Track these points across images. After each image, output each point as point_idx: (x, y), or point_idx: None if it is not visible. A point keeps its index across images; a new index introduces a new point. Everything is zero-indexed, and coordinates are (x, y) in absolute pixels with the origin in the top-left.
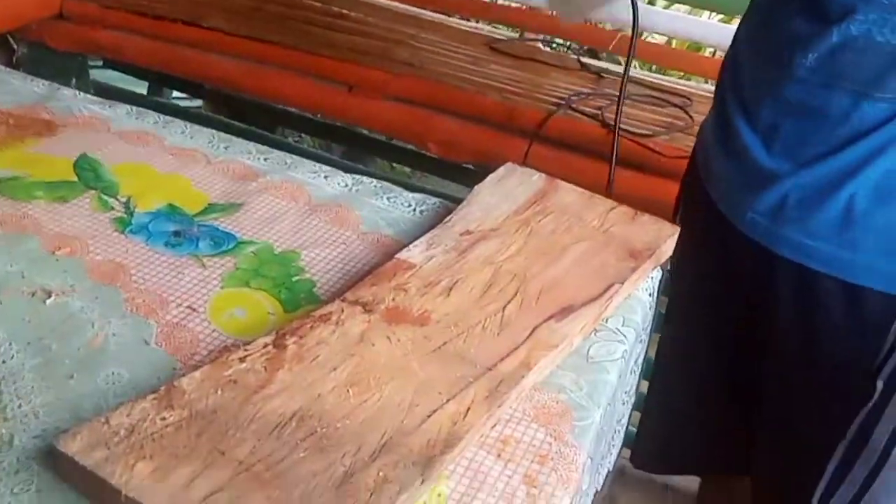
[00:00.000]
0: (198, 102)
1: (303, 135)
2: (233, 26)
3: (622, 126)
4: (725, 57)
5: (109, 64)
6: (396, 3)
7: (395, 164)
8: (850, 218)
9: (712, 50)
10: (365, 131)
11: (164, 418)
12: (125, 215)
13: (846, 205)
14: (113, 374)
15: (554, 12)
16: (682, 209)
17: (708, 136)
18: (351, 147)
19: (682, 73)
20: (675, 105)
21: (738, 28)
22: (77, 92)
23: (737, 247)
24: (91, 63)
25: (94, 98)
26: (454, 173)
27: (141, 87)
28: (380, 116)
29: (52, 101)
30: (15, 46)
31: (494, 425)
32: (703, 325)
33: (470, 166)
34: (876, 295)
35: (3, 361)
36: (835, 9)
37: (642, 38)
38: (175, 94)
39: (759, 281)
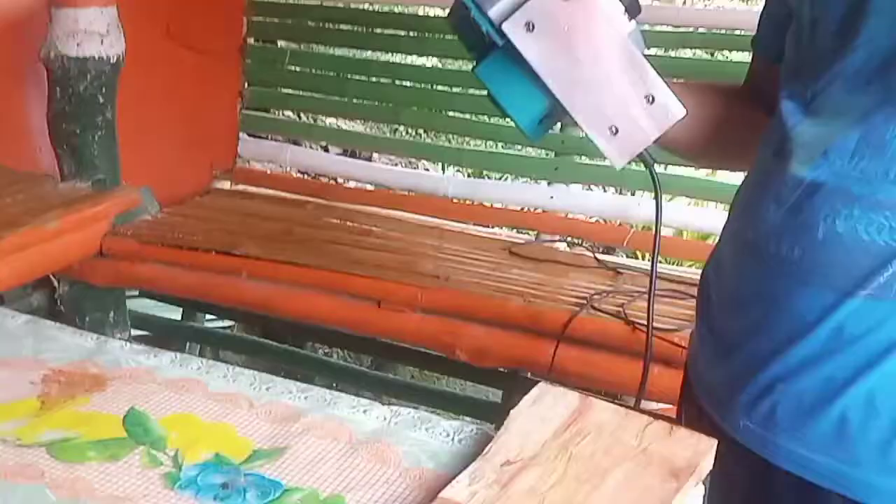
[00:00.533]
0: (229, 323)
1: (331, 348)
2: (264, 252)
3: (643, 322)
4: (708, 257)
5: (145, 293)
6: (418, 216)
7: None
8: (845, 431)
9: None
10: (391, 341)
11: None
12: (174, 470)
13: (839, 417)
14: None
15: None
16: (684, 422)
17: (696, 343)
18: (380, 356)
19: (694, 262)
20: (694, 296)
21: (723, 229)
22: (124, 343)
23: (732, 457)
24: (128, 294)
25: (140, 348)
26: (482, 376)
27: (175, 313)
28: (409, 329)
29: (100, 355)
30: (56, 285)
31: None
32: None
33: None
34: None
35: None
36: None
37: (651, 231)
38: (208, 316)
39: (756, 494)
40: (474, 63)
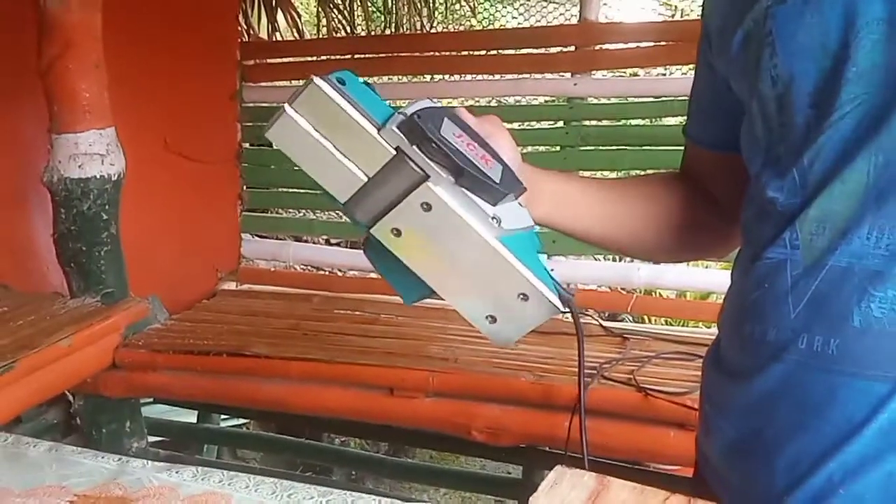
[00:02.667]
0: (243, 420)
1: (347, 438)
2: (273, 350)
3: (656, 388)
4: (707, 355)
5: (160, 399)
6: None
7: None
8: None
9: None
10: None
11: None
12: None
13: None
14: None
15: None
16: None
17: (710, 448)
18: (396, 442)
19: (697, 322)
20: (701, 356)
21: (723, 326)
22: (145, 462)
23: None
24: (143, 401)
25: (162, 465)
26: (500, 453)
27: (191, 416)
28: (422, 414)
29: (122, 476)
30: (72, 400)
31: None
32: None
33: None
34: None
35: None
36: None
37: (653, 295)
38: (223, 416)
39: None
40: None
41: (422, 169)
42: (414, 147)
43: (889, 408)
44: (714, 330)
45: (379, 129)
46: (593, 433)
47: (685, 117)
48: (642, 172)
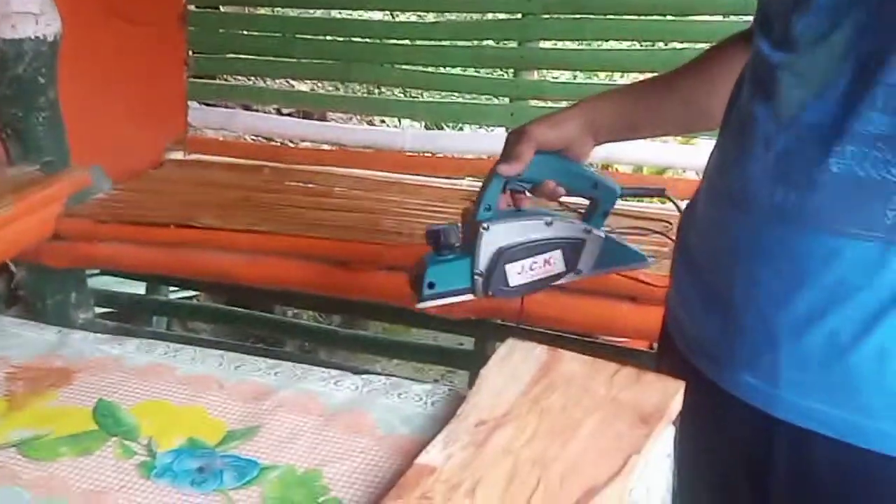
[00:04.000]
0: (193, 293)
1: (299, 310)
2: (224, 222)
3: None
4: (683, 217)
5: (107, 270)
6: (377, 172)
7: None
8: (857, 384)
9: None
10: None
11: None
12: (148, 458)
13: (850, 371)
14: None
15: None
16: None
17: (676, 300)
18: (349, 314)
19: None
20: (658, 232)
21: (700, 188)
22: (87, 334)
23: (726, 411)
24: (89, 272)
25: (104, 337)
26: (453, 325)
27: (139, 287)
28: (375, 288)
29: (63, 348)
30: (14, 270)
31: None
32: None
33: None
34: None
35: None
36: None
37: (610, 169)
38: (172, 287)
39: (756, 447)
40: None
41: None
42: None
43: (836, 265)
44: (669, 205)
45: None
46: (546, 306)
47: None
48: (605, 44)
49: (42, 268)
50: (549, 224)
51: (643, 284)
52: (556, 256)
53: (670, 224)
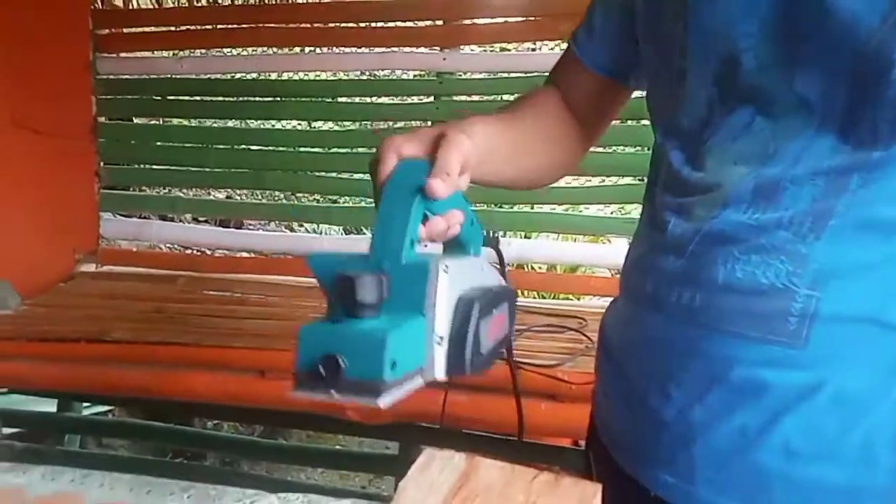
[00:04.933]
0: (108, 407)
1: (219, 422)
2: (136, 335)
3: (527, 360)
4: (605, 312)
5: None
6: (296, 278)
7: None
8: (765, 480)
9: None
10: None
11: None
12: None
13: (758, 467)
14: None
15: None
16: (594, 464)
17: (601, 394)
18: (270, 424)
19: (569, 295)
20: (573, 329)
21: (620, 285)
22: None
23: None
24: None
25: (6, 465)
26: (376, 431)
27: (50, 405)
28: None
29: None
30: None
31: None
32: None
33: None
34: None
35: None
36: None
37: (525, 269)
38: (85, 404)
39: None
40: None
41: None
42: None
43: (742, 365)
44: (584, 302)
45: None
46: (468, 408)
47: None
48: None
49: None
50: (482, 268)
51: (562, 382)
52: (506, 312)
53: (585, 321)
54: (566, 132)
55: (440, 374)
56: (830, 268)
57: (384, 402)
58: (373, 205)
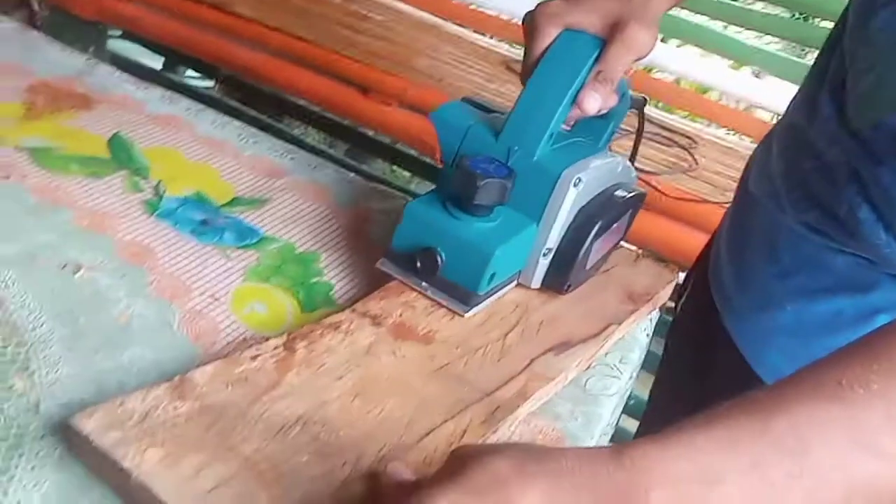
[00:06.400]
0: (210, 82)
1: (308, 127)
2: (257, 14)
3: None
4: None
5: (128, 35)
6: (419, 12)
7: (395, 168)
8: None
9: (718, 94)
10: (370, 132)
11: (176, 408)
12: (154, 198)
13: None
14: (137, 353)
15: None
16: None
17: (722, 233)
18: (355, 146)
19: (687, 114)
20: (681, 146)
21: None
22: (114, 69)
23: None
24: (110, 33)
25: (130, 77)
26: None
27: (156, 62)
28: (393, 122)
29: (89, 77)
30: (37, 9)
31: None
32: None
33: None
34: None
35: (34, 329)
36: None
37: (651, 72)
38: (189, 72)
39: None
40: None
41: None
42: None
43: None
44: (697, 123)
45: None
46: None
47: None
48: None
49: (65, 13)
50: (619, 169)
51: (654, 191)
52: (626, 220)
53: (696, 142)
54: None
55: (536, 284)
56: None
57: (471, 311)
58: None
